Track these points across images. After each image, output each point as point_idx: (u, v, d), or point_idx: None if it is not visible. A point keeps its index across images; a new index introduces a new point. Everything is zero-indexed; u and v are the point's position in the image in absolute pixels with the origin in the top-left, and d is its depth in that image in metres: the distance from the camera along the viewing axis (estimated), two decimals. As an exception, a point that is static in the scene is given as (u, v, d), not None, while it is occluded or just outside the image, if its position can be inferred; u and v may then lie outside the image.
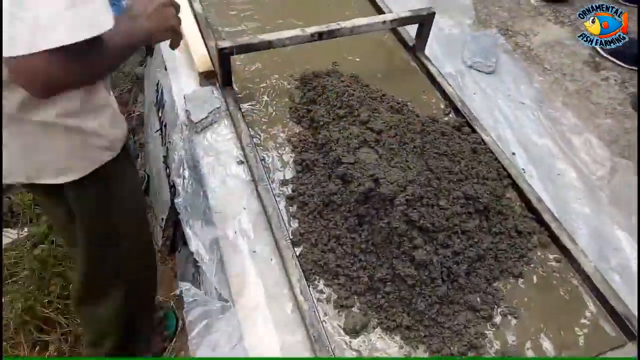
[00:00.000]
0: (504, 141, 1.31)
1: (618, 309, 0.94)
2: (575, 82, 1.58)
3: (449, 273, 0.96)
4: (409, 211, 0.95)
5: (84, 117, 0.85)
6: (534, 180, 1.21)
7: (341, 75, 1.35)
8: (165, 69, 1.45)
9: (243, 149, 1.19)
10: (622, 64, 1.64)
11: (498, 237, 1.05)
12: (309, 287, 0.94)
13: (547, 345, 0.91)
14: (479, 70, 1.54)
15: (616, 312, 0.94)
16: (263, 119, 1.28)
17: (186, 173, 1.19)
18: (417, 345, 0.90)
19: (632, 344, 0.91)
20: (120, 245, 1.05)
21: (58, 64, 0.68)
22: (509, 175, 1.17)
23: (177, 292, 1.02)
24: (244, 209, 1.07)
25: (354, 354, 0.88)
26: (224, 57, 1.25)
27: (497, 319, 0.94)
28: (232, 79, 1.32)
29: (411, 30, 1.50)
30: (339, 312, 0.93)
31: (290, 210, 1.08)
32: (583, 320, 0.95)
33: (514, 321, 0.94)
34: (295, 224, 1.05)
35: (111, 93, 1.00)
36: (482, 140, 1.24)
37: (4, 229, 1.74)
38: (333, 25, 1.32)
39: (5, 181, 0.90)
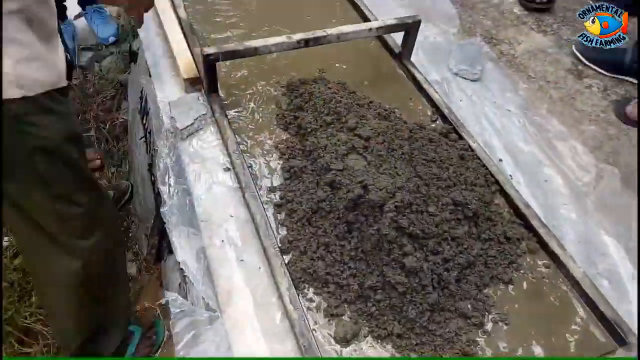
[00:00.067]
0: (491, 148, 1.32)
1: (607, 314, 0.94)
2: (559, 89, 1.60)
3: (439, 280, 0.95)
4: (398, 218, 0.94)
5: None
6: (521, 187, 1.21)
7: (328, 82, 1.35)
8: (150, 76, 1.43)
9: (229, 155, 1.17)
10: (604, 72, 1.67)
11: (487, 243, 1.05)
12: (298, 295, 0.92)
13: (538, 351, 0.91)
14: (465, 78, 1.55)
15: (606, 318, 0.94)
16: (250, 126, 1.27)
17: (172, 181, 1.17)
18: (409, 354, 0.88)
19: (622, 350, 0.91)
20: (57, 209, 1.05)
21: None
22: (497, 182, 1.18)
23: (163, 301, 0.99)
24: (231, 216, 1.05)
25: (345, 364, 0.86)
26: (209, 63, 1.24)
27: (489, 326, 0.94)
28: (218, 85, 1.31)
29: (397, 38, 1.50)
30: (329, 320, 0.91)
31: (279, 217, 1.06)
32: (573, 326, 0.95)
33: (505, 328, 0.94)
34: (283, 232, 1.03)
35: (54, 42, 0.99)
36: (470, 146, 1.24)
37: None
38: (319, 32, 1.32)
39: None
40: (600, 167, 1.30)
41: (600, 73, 1.67)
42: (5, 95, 0.90)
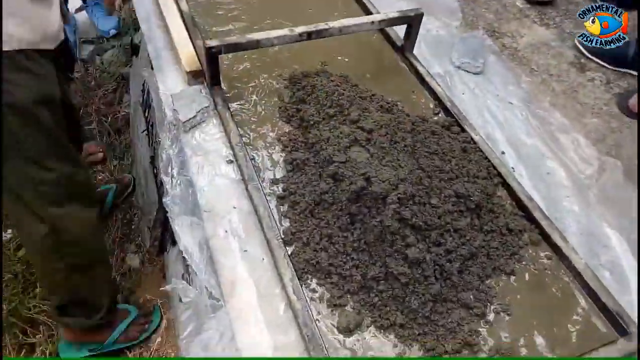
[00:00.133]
0: (493, 140, 1.32)
1: (609, 305, 0.95)
2: (562, 82, 1.60)
3: (442, 271, 0.95)
4: (401, 209, 0.94)
5: None
6: (523, 179, 1.21)
7: (330, 75, 1.34)
8: (152, 68, 1.43)
9: (232, 148, 1.17)
10: (607, 65, 1.67)
11: (490, 235, 1.05)
12: (301, 286, 0.93)
13: (540, 341, 0.91)
14: (467, 71, 1.55)
15: (607, 309, 0.95)
16: (252, 118, 1.27)
17: (174, 172, 1.17)
18: (412, 344, 0.89)
19: (623, 340, 0.91)
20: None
21: None
22: (499, 174, 1.18)
23: (168, 288, 1.00)
24: (234, 208, 1.06)
25: (348, 353, 0.87)
26: (212, 56, 1.23)
27: (491, 317, 0.94)
28: (220, 78, 1.31)
29: (399, 31, 1.50)
30: (332, 311, 0.92)
31: (281, 209, 1.07)
32: (575, 317, 0.96)
33: (507, 318, 0.94)
34: (286, 223, 1.04)
35: (48, 2, 1.00)
36: (472, 139, 1.24)
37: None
38: (322, 25, 1.31)
39: None
40: (602, 159, 1.30)
41: (603, 66, 1.67)
42: None
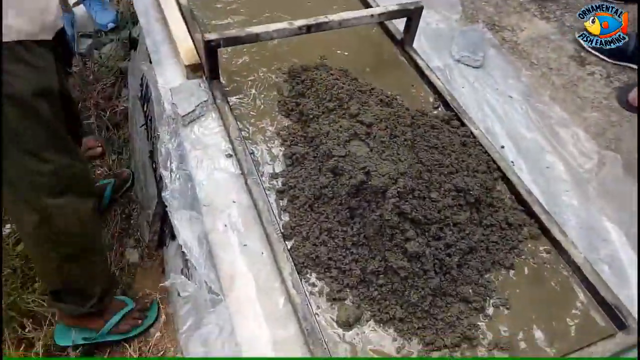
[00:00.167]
0: (493, 134, 1.32)
1: (608, 299, 0.95)
2: (562, 76, 1.60)
3: (441, 265, 0.95)
4: (400, 203, 0.94)
5: None
6: (523, 173, 1.21)
7: (330, 68, 1.34)
8: (150, 62, 1.42)
9: (231, 142, 1.17)
10: (607, 59, 1.67)
11: (489, 229, 1.05)
12: (301, 280, 0.93)
13: (538, 335, 0.92)
14: (467, 65, 1.55)
15: (606, 302, 0.95)
16: (251, 112, 1.26)
17: (173, 166, 1.17)
18: (411, 337, 0.89)
19: (622, 334, 0.91)
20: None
21: None
22: (499, 168, 1.18)
23: (167, 283, 1.00)
24: (234, 202, 1.06)
25: (348, 347, 0.87)
26: (210, 49, 1.23)
27: (490, 310, 0.94)
28: (219, 72, 1.30)
29: (399, 24, 1.49)
30: (331, 305, 0.92)
31: (281, 203, 1.06)
32: (574, 311, 0.96)
33: (506, 312, 0.95)
34: (286, 218, 1.04)
35: None
36: (472, 133, 1.24)
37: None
38: (321, 19, 1.30)
39: None
40: (602, 153, 1.30)
41: (603, 60, 1.67)
42: None
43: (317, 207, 1.03)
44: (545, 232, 1.07)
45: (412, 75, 1.43)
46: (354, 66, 1.37)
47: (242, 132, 1.19)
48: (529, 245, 1.05)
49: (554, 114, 1.42)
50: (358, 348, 0.87)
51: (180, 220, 1.05)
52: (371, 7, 1.55)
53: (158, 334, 1.52)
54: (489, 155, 1.20)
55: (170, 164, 1.19)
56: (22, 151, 1.09)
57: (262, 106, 1.28)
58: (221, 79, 1.31)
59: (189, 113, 1.21)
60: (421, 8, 1.38)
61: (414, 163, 1.04)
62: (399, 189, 0.94)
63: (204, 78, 1.32)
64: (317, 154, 1.10)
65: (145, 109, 1.72)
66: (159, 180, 1.56)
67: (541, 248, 1.06)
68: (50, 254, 1.26)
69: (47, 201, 1.17)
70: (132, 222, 1.90)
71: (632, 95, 1.50)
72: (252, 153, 1.15)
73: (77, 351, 1.50)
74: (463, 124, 1.26)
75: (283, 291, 0.93)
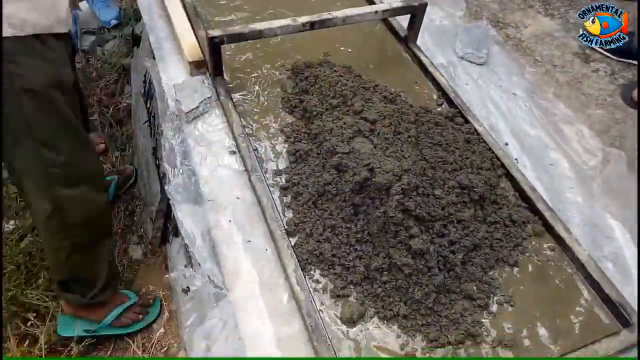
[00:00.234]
0: (497, 131, 1.31)
1: (612, 296, 0.95)
2: (566, 73, 1.60)
3: (445, 262, 0.95)
4: (404, 200, 0.94)
5: None
6: (527, 170, 1.21)
7: (333, 65, 1.33)
8: (154, 59, 1.42)
9: (235, 139, 1.17)
10: (611, 56, 1.66)
11: (493, 226, 1.05)
12: (304, 277, 0.93)
13: (542, 332, 0.92)
14: (471, 62, 1.54)
15: (610, 300, 0.95)
16: (255, 109, 1.26)
17: (177, 162, 1.17)
18: (415, 334, 0.89)
19: (626, 331, 0.91)
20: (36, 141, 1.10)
21: None
22: (503, 165, 1.17)
23: (172, 275, 1.00)
24: (238, 198, 1.06)
25: (351, 344, 0.87)
26: (214, 46, 1.23)
27: (494, 308, 0.94)
28: (223, 68, 1.30)
29: (402, 21, 1.49)
30: (335, 301, 0.92)
31: (285, 200, 1.06)
32: (578, 308, 0.96)
33: (510, 309, 0.95)
34: (289, 214, 1.04)
35: None
36: (476, 130, 1.24)
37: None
38: (325, 15, 1.30)
39: None
40: (606, 150, 1.30)
41: (608, 57, 1.66)
42: None
43: (321, 204, 1.03)
44: (549, 229, 1.07)
45: (416, 72, 1.43)
46: (358, 63, 1.37)
47: (246, 129, 1.19)
48: (533, 243, 1.05)
49: (558, 111, 1.42)
50: (362, 345, 0.87)
51: (183, 214, 1.05)
52: (375, 3, 1.55)
53: (161, 330, 1.52)
54: (492, 152, 1.19)
55: (174, 160, 1.19)
56: (37, 142, 1.11)
57: (265, 103, 1.27)
58: (225, 75, 1.31)
59: (192, 110, 1.21)
60: (425, 5, 1.38)
61: (418, 160, 1.04)
62: (403, 186, 0.94)
63: (208, 75, 1.31)
64: (320, 150, 1.10)
65: (148, 105, 1.72)
66: (162, 176, 1.56)
67: (545, 245, 1.05)
68: (61, 244, 1.28)
69: (61, 191, 1.20)
70: (135, 218, 1.91)
71: (637, 92, 1.49)
72: (256, 150, 1.15)
73: (81, 346, 1.50)
74: (467, 121, 1.26)
75: (287, 287, 0.93)
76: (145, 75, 1.71)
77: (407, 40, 1.47)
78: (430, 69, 1.40)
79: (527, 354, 0.89)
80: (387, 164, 0.98)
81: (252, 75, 1.34)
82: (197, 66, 1.32)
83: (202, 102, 1.23)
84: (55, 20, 1.03)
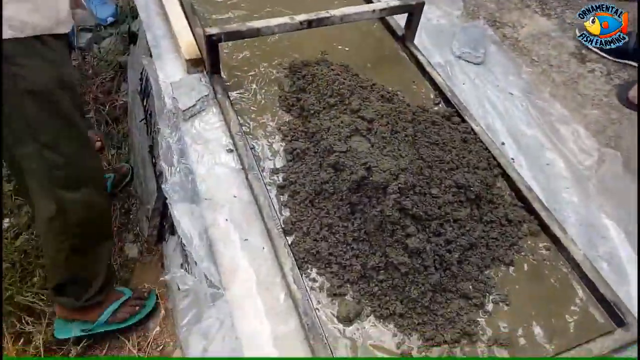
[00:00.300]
0: (494, 131, 1.32)
1: (607, 295, 0.95)
2: (562, 73, 1.60)
3: (441, 261, 0.96)
4: (401, 199, 0.94)
5: None
6: (523, 170, 1.21)
7: (331, 64, 1.33)
8: (151, 56, 1.41)
9: (232, 137, 1.16)
10: (607, 56, 1.67)
11: (489, 225, 1.06)
12: (301, 275, 0.93)
13: (538, 331, 0.92)
14: (468, 61, 1.54)
15: (605, 299, 0.95)
16: (252, 107, 1.26)
17: (174, 160, 1.17)
18: (411, 333, 0.89)
19: (621, 330, 0.92)
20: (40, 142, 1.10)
21: None
22: (499, 165, 1.18)
23: (167, 277, 1.00)
24: (235, 197, 1.06)
25: (348, 342, 0.87)
26: (211, 44, 1.22)
27: (489, 307, 0.95)
28: (220, 66, 1.30)
29: (400, 20, 1.49)
30: (332, 300, 0.92)
31: (282, 199, 1.06)
32: (573, 307, 0.96)
33: (505, 308, 0.95)
34: (286, 213, 1.04)
35: None
36: (472, 130, 1.24)
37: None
38: (322, 14, 1.30)
39: None
40: (602, 150, 1.30)
41: (604, 57, 1.66)
42: None
43: (318, 203, 1.03)
44: (545, 228, 1.07)
45: (413, 71, 1.43)
46: (355, 62, 1.37)
47: (243, 127, 1.19)
48: (529, 242, 1.06)
49: (554, 111, 1.42)
50: (358, 343, 0.88)
51: (180, 212, 1.05)
52: (372, 2, 1.55)
53: (157, 328, 1.52)
54: (489, 151, 1.20)
55: (171, 159, 1.18)
56: (39, 143, 1.11)
57: (262, 101, 1.27)
58: (222, 73, 1.30)
59: (189, 107, 1.21)
60: (422, 4, 1.38)
61: (415, 159, 1.04)
62: (399, 185, 0.94)
63: (205, 72, 1.31)
64: (318, 149, 1.10)
65: (144, 103, 1.72)
66: (158, 175, 1.56)
67: (541, 245, 1.06)
68: (62, 245, 1.28)
69: (63, 194, 1.20)
70: (131, 216, 1.90)
71: (633, 92, 1.50)
72: (253, 148, 1.15)
73: (79, 347, 1.49)
74: (464, 121, 1.26)
75: (284, 286, 0.93)
76: (142, 73, 1.70)
77: (405, 39, 1.47)
78: (428, 68, 1.40)
79: (522, 352, 0.89)
80: (384, 163, 0.98)
81: (250, 74, 1.34)
82: (194, 64, 1.32)
83: (199, 100, 1.22)
84: (55, 21, 1.03)
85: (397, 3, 1.37)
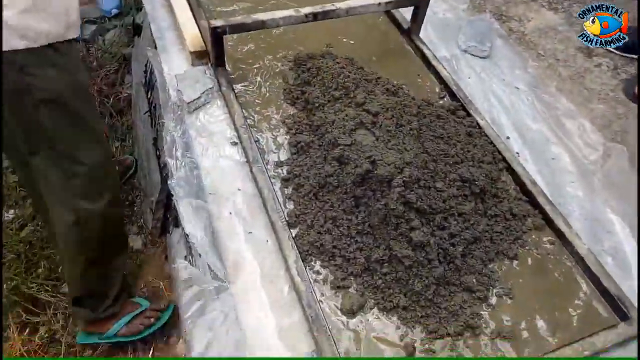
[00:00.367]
0: (499, 125, 1.31)
1: (611, 290, 0.95)
2: (569, 67, 1.59)
3: (445, 254, 0.96)
4: (406, 193, 0.94)
5: None
6: (528, 164, 1.21)
7: (336, 57, 1.33)
8: (155, 48, 1.41)
9: (237, 130, 1.16)
10: (614, 51, 1.66)
11: (493, 219, 1.06)
12: (305, 268, 0.93)
13: (541, 325, 0.92)
14: (474, 55, 1.54)
15: (609, 293, 0.95)
16: (256, 100, 1.26)
17: (179, 154, 1.17)
18: (414, 325, 0.90)
19: (624, 324, 0.92)
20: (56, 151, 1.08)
21: None
22: (504, 159, 1.17)
23: (173, 266, 1.01)
24: (239, 190, 1.06)
25: (351, 334, 0.88)
26: (216, 36, 1.22)
27: (493, 300, 0.95)
28: (225, 59, 1.30)
29: (406, 13, 1.48)
30: (335, 292, 0.92)
31: (286, 192, 1.06)
32: (577, 301, 0.96)
33: (509, 302, 0.95)
34: (290, 206, 1.04)
35: None
36: (478, 124, 1.24)
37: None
38: (328, 6, 1.30)
39: None
40: (608, 145, 1.30)
41: (611, 52, 1.65)
42: (8, 47, 0.89)
43: (322, 196, 1.03)
44: (550, 223, 1.07)
45: (419, 65, 1.42)
46: (360, 55, 1.37)
47: (248, 120, 1.19)
48: (533, 236, 1.06)
49: (560, 105, 1.42)
50: (361, 335, 0.88)
51: (186, 208, 1.05)
52: (378, -5, 1.54)
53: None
54: (494, 145, 1.19)
55: (176, 152, 1.19)
56: (57, 152, 1.09)
57: (267, 94, 1.27)
58: (227, 66, 1.30)
59: (194, 100, 1.21)
60: (429, -4, 1.37)
61: (420, 153, 1.04)
62: (404, 179, 0.94)
63: (210, 65, 1.31)
64: (322, 142, 1.10)
65: (149, 95, 1.72)
66: (162, 167, 1.56)
67: (545, 239, 1.06)
68: (79, 257, 1.27)
69: (83, 204, 1.17)
70: (135, 209, 1.91)
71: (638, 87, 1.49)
72: (257, 141, 1.15)
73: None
74: (469, 114, 1.26)
75: (288, 279, 0.93)
76: (146, 65, 1.70)
77: (410, 32, 1.47)
78: (433, 62, 1.39)
79: (525, 345, 0.89)
80: (388, 157, 0.98)
81: (254, 66, 1.34)
82: (199, 56, 1.32)
83: (203, 92, 1.22)
84: (66, 25, 1.00)
85: (403, -5, 1.36)
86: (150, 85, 1.69)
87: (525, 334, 0.91)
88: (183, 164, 1.15)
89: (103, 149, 1.23)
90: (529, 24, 1.75)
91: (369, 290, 0.93)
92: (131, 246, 1.81)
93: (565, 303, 0.96)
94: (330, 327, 0.87)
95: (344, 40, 1.45)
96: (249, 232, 0.99)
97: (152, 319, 1.49)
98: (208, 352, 0.91)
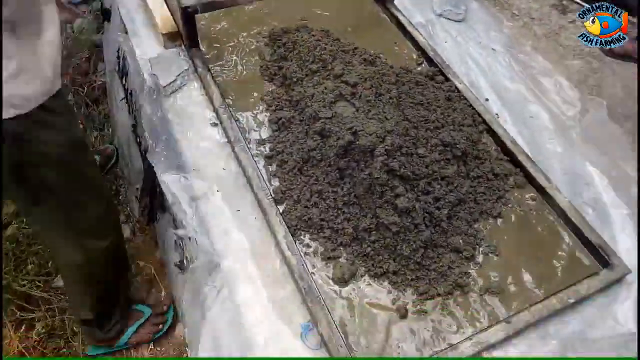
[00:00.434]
0: (477, 88, 1.32)
1: (592, 239, 0.99)
2: (544, 25, 1.59)
3: (431, 218, 0.98)
4: (389, 161, 0.95)
5: None
6: (508, 125, 1.23)
7: (311, 30, 1.32)
8: (126, 32, 1.38)
9: (216, 110, 1.16)
10: (588, 5, 1.66)
11: (476, 180, 1.07)
12: (295, 242, 0.94)
13: (527, 278, 0.95)
14: (449, 19, 1.53)
15: (590, 243, 0.99)
16: (234, 79, 1.25)
17: (159, 139, 1.16)
18: (405, 289, 0.92)
19: (606, 271, 0.95)
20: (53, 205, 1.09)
21: None
22: (484, 121, 1.19)
23: (163, 250, 1.01)
24: (224, 169, 1.06)
25: (345, 302, 0.90)
26: (187, 16, 1.20)
27: (480, 258, 0.98)
28: (199, 39, 1.27)
29: (379, -20, 1.46)
30: (326, 263, 0.94)
31: (270, 169, 1.07)
32: (560, 253, 0.99)
33: (495, 259, 0.98)
34: (276, 183, 1.04)
35: (43, 36, 0.94)
36: (456, 88, 1.25)
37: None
38: (299, -23, 1.28)
39: None
40: (586, 99, 1.31)
41: (585, 6, 1.65)
42: None
43: (307, 170, 1.04)
44: (531, 180, 1.10)
45: (395, 33, 1.41)
46: (336, 26, 1.35)
47: (226, 100, 1.18)
48: (516, 194, 1.08)
49: (536, 64, 1.43)
50: (355, 302, 0.90)
51: (167, 177, 1.05)
52: (349, -37, 1.51)
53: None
54: (473, 108, 1.20)
55: (155, 137, 1.17)
56: (61, 202, 1.09)
57: (244, 72, 1.26)
58: (201, 46, 1.28)
59: (170, 83, 1.20)
60: (400, -38, 1.35)
61: (400, 120, 1.05)
62: (386, 147, 0.95)
63: (183, 46, 1.29)
64: (303, 117, 1.10)
65: (124, 82, 1.68)
66: (144, 153, 1.54)
67: (527, 196, 1.08)
68: (88, 289, 1.29)
69: (91, 243, 1.20)
70: (120, 198, 1.89)
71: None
72: (238, 120, 1.15)
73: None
74: (447, 79, 1.26)
75: (278, 253, 0.94)
76: (118, 51, 1.66)
77: (385, 0, 1.45)
78: (409, 28, 1.39)
79: (512, 299, 0.92)
80: (370, 127, 0.99)
81: (229, 45, 1.32)
82: (171, 38, 1.29)
83: (179, 75, 1.21)
84: (52, 80, 0.95)
85: (374, -38, 1.34)
86: (124, 71, 1.65)
87: (512, 288, 0.94)
88: (163, 147, 1.14)
89: (107, 200, 1.27)
90: (503, -16, 1.75)
91: (359, 259, 0.95)
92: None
93: (549, 255, 0.99)
94: (323, 297, 0.89)
95: (318, 12, 1.43)
96: (237, 210, 1.00)
97: (160, 326, 1.53)
98: (202, 329, 0.92)
